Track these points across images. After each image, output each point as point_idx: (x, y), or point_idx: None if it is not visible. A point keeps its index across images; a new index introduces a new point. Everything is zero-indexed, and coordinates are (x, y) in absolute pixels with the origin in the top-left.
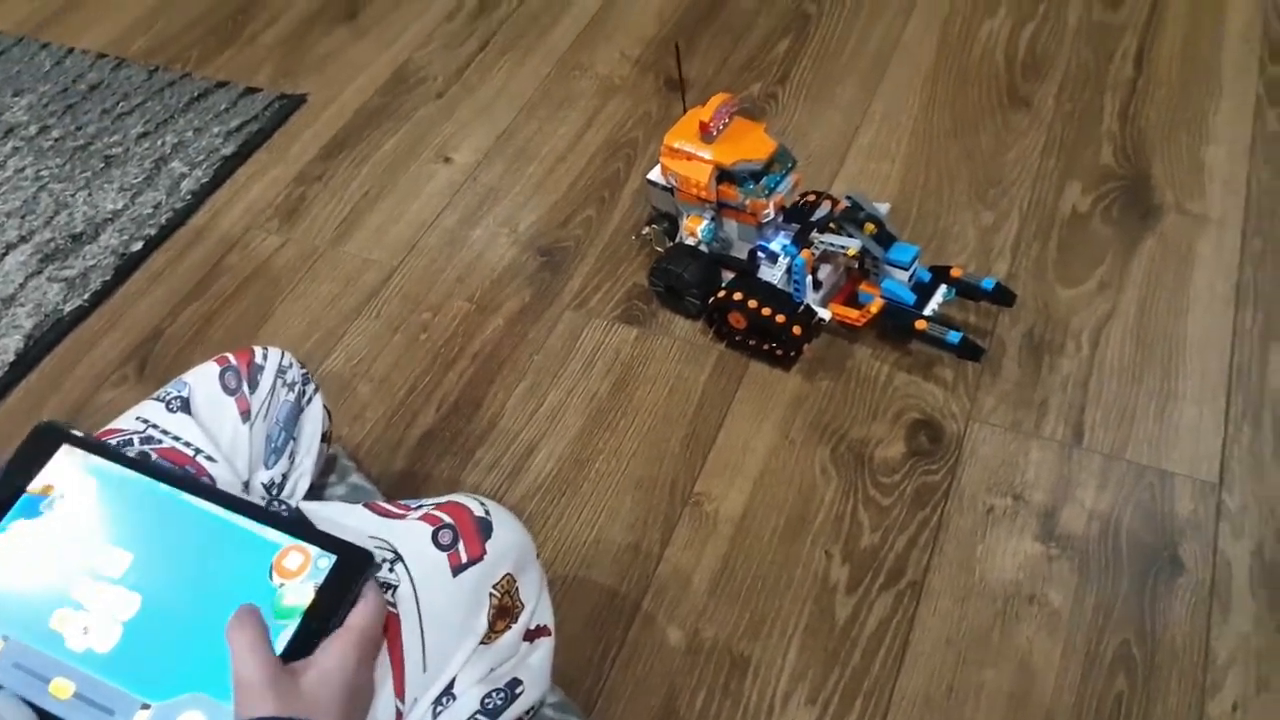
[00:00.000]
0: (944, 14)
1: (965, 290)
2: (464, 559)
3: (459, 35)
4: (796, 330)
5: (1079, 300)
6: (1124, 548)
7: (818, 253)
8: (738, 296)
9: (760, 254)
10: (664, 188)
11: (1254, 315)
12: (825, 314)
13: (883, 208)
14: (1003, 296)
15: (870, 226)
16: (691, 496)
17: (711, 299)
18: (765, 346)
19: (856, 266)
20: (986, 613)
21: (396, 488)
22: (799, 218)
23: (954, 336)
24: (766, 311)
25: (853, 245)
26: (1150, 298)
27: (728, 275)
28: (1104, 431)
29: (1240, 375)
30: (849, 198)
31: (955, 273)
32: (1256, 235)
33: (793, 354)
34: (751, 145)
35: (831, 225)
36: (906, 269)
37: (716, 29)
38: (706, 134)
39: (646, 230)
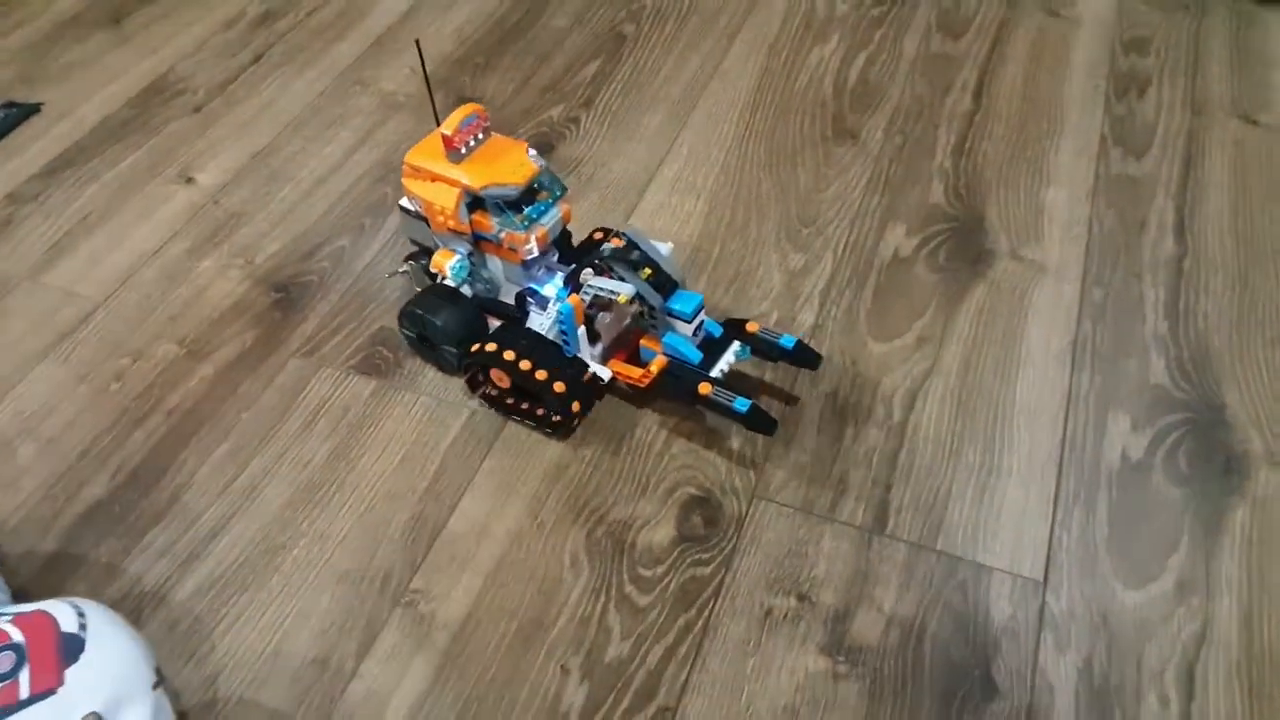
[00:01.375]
0: (770, 39)
1: (762, 348)
2: (23, 693)
3: (233, 46)
4: (559, 388)
5: (893, 356)
6: (926, 663)
7: (586, 298)
8: (498, 349)
9: (530, 299)
10: (418, 215)
11: (1091, 378)
12: (604, 372)
13: (664, 248)
14: (805, 357)
15: (647, 270)
16: (406, 595)
17: (471, 352)
18: (533, 410)
19: (643, 316)
20: None
21: (38, 578)
22: (580, 257)
23: (742, 404)
24: (526, 366)
25: (624, 290)
26: (976, 356)
27: (496, 324)
28: (912, 515)
29: (1073, 448)
30: (623, 234)
31: (751, 328)
32: (1097, 285)
33: (561, 419)
34: (509, 167)
35: (601, 265)
36: (689, 321)
37: (521, 47)
38: (453, 151)
39: (404, 267)
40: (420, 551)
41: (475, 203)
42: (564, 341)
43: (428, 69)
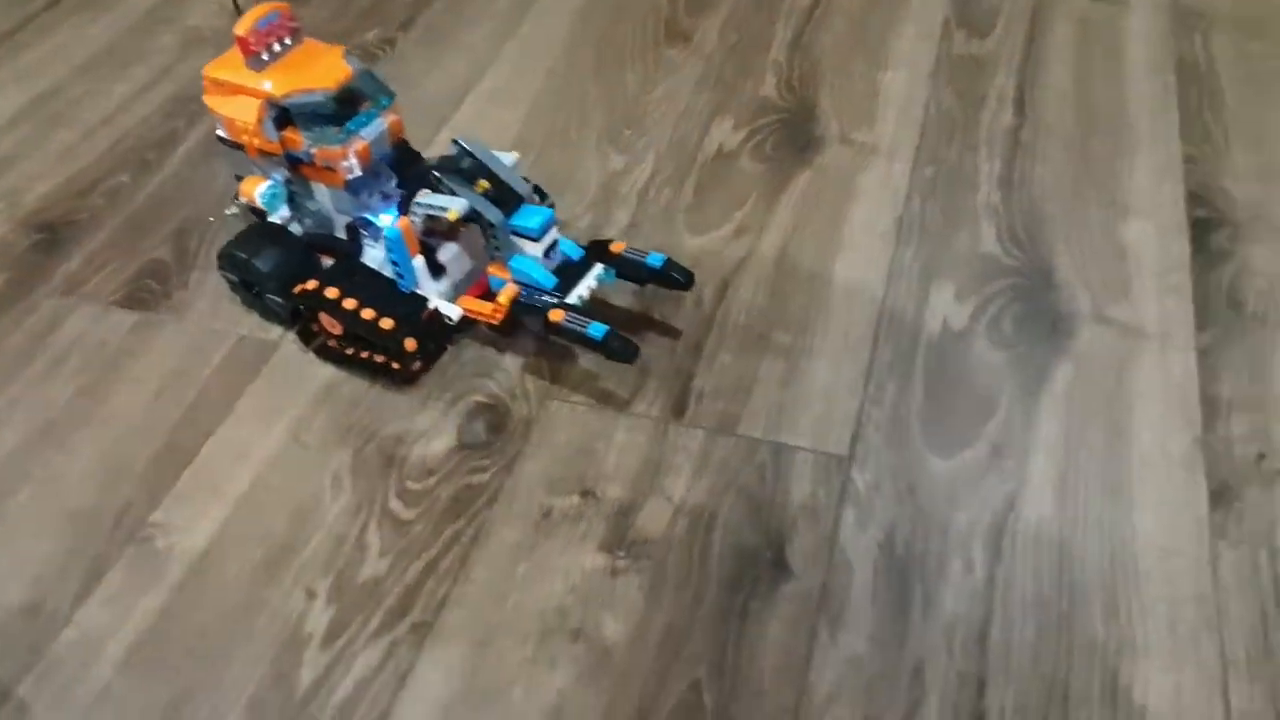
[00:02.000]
0: None
1: (627, 270)
2: None
3: None
4: (386, 325)
5: (708, 248)
6: (715, 551)
7: (417, 221)
8: (327, 291)
9: (363, 230)
10: (235, 144)
11: (916, 251)
12: (452, 310)
13: (507, 158)
14: (674, 277)
15: (484, 184)
16: (143, 530)
17: (293, 294)
18: (374, 358)
19: (487, 239)
20: (511, 660)
21: None
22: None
23: (597, 329)
24: (351, 304)
25: (454, 206)
26: (794, 242)
27: (330, 263)
28: (712, 403)
29: (891, 323)
30: (455, 142)
31: (616, 248)
32: (930, 163)
33: (400, 365)
34: (318, 72)
35: (436, 180)
36: (538, 239)
37: None
38: (252, 57)
39: (233, 207)
40: (166, 484)
41: (284, 117)
42: (398, 275)
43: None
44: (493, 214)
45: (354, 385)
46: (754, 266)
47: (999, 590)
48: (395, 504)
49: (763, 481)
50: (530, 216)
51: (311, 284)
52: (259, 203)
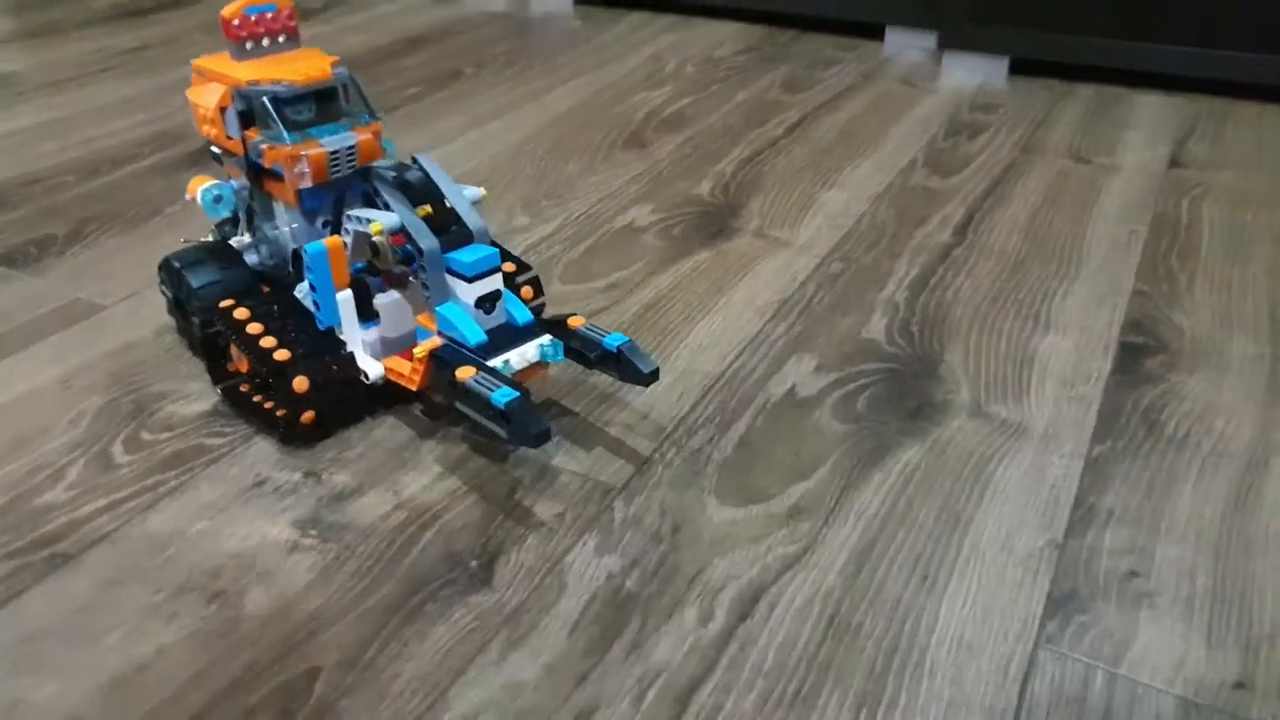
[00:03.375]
0: (604, 84)
1: (577, 347)
2: None
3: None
4: (280, 356)
5: (570, 294)
6: (417, 548)
7: (348, 239)
8: (237, 312)
9: (305, 256)
10: (220, 156)
11: (789, 328)
12: (374, 369)
13: (470, 190)
14: (635, 365)
15: (427, 208)
16: None
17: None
18: (275, 410)
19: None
20: (129, 607)
21: None
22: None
23: (503, 395)
24: (255, 330)
25: (382, 220)
26: (664, 302)
27: None
28: None
29: (729, 381)
30: (414, 158)
31: (573, 322)
32: (840, 260)
33: (294, 414)
34: (295, 69)
35: (374, 191)
36: (469, 280)
37: (361, 73)
38: (235, 44)
39: (211, 235)
40: None
41: (248, 117)
42: (315, 305)
43: None
44: (425, 239)
45: (150, 348)
46: (608, 317)
47: (730, 651)
48: (116, 448)
49: (508, 496)
50: (467, 253)
51: (227, 302)
52: (199, 203)
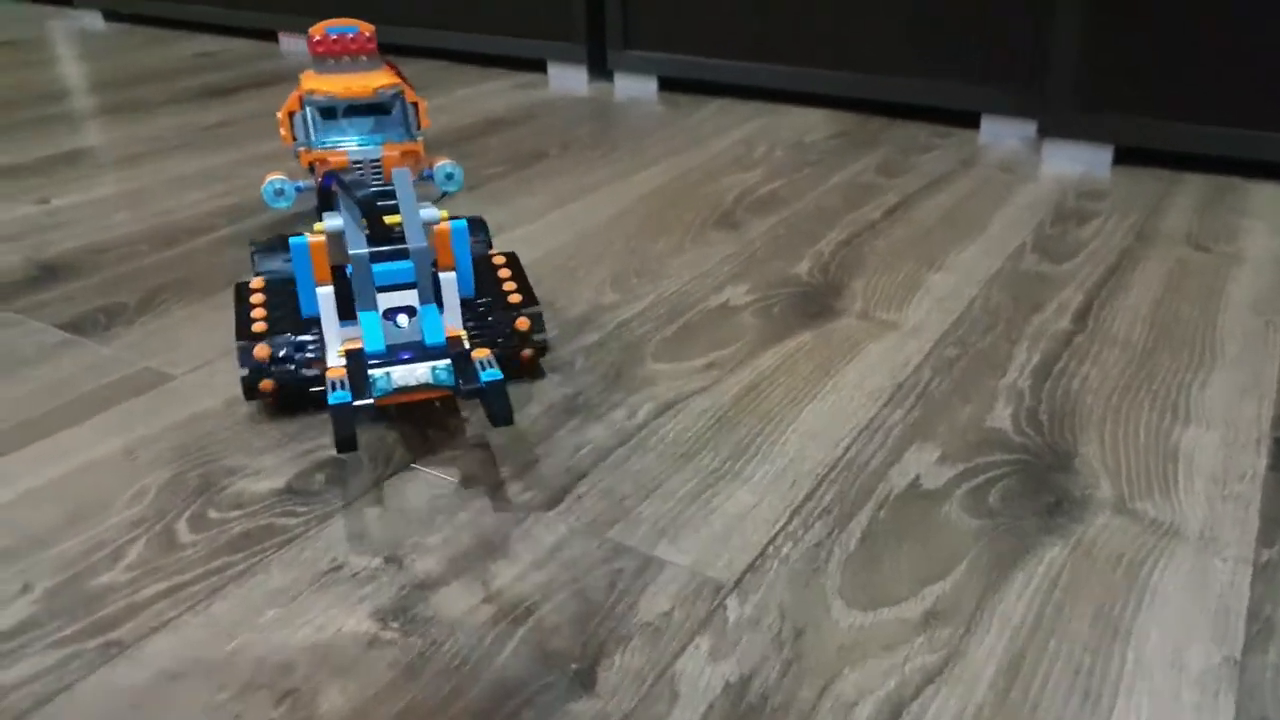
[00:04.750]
0: (690, 167)
1: (459, 377)
2: None
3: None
4: (259, 325)
5: (666, 374)
6: (510, 647)
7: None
8: (254, 282)
9: (290, 248)
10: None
11: (906, 414)
12: (331, 358)
13: (428, 211)
14: (493, 404)
15: (393, 219)
16: None
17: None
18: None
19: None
20: (191, 703)
21: None
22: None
23: (339, 396)
24: (258, 299)
25: (326, 223)
26: (766, 383)
27: None
28: (594, 502)
29: (847, 469)
30: (394, 174)
31: (477, 354)
32: (955, 345)
33: (246, 386)
34: (353, 83)
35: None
36: (379, 290)
37: (439, 150)
38: (317, 58)
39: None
40: None
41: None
42: (296, 291)
43: None
44: (355, 244)
45: (221, 420)
46: (708, 397)
47: None
48: (181, 526)
49: (611, 589)
50: (388, 265)
51: (257, 282)
52: (263, 192)
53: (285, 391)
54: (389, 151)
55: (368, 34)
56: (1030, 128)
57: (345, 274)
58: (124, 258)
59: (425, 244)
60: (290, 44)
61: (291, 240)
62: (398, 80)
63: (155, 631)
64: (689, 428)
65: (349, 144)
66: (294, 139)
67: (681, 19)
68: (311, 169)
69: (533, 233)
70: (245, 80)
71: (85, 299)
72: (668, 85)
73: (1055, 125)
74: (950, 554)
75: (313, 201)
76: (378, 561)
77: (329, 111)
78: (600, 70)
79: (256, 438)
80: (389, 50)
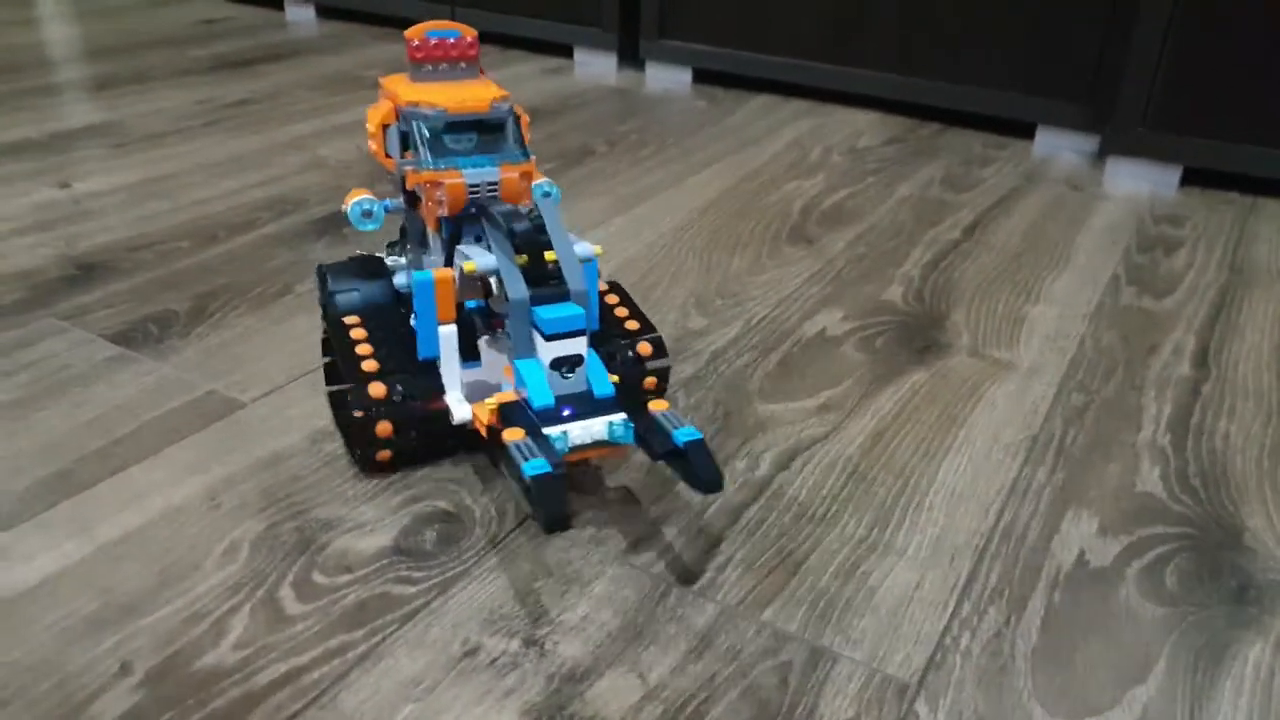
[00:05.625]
0: (749, 170)
1: (644, 435)
2: None
3: (192, 114)
4: (377, 390)
5: (779, 416)
6: None
7: (458, 273)
8: (347, 318)
9: (413, 284)
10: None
11: (1050, 474)
12: (461, 410)
13: (582, 248)
14: (696, 468)
15: (525, 257)
16: None
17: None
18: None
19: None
20: None
21: None
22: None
23: (534, 467)
24: (359, 335)
25: (475, 260)
26: (892, 431)
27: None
28: (739, 575)
29: (1006, 540)
30: (534, 206)
31: (656, 405)
32: (1079, 391)
33: (359, 452)
34: (458, 97)
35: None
36: (546, 337)
37: None
38: (415, 67)
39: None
40: (35, 509)
41: (407, 137)
42: (414, 331)
43: None
44: (514, 288)
45: (307, 460)
46: (833, 446)
47: None
48: (286, 592)
49: (783, 686)
50: (554, 310)
51: (352, 319)
52: (348, 213)
53: (407, 440)
54: (507, 173)
55: (470, 39)
56: (1086, 141)
57: (464, 311)
58: (164, 256)
59: (584, 286)
60: (297, 13)
61: (415, 276)
62: (507, 92)
63: None
64: (820, 484)
65: (467, 166)
66: (386, 154)
67: (722, 9)
68: (411, 193)
69: (601, 242)
70: (258, 53)
71: (130, 305)
72: (700, 77)
73: (1121, 143)
74: (1144, 653)
75: (398, 221)
76: (515, 645)
77: (436, 127)
78: (630, 58)
79: (348, 483)
80: (406, 25)
